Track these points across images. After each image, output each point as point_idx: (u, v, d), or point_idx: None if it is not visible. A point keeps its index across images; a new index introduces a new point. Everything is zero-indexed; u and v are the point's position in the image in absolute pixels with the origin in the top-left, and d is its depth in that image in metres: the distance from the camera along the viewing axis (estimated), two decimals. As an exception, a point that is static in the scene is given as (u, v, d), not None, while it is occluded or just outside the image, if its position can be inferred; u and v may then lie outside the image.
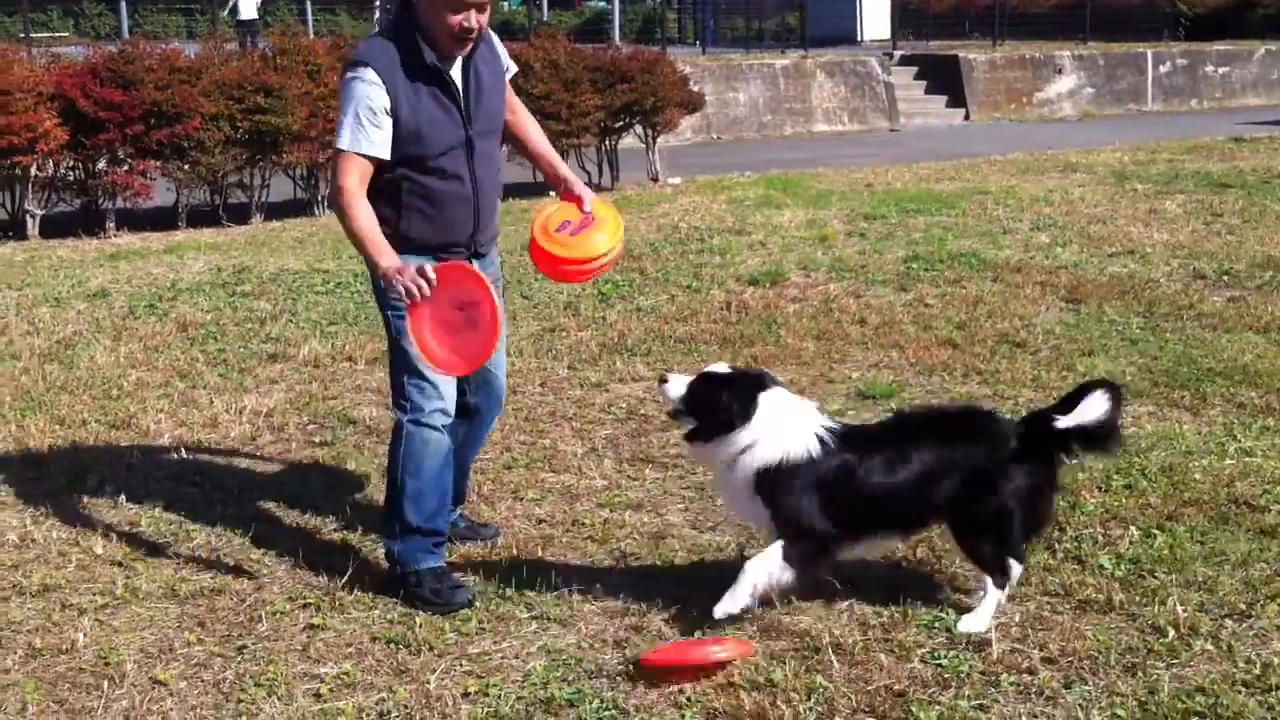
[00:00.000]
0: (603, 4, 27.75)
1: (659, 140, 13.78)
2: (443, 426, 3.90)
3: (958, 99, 20.65)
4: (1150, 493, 4.53)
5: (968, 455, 3.67)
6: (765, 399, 3.68)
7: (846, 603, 3.79)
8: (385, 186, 3.80)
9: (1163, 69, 22.93)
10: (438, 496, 3.92)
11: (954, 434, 3.74)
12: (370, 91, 3.69)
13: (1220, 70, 23.51)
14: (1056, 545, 4.13)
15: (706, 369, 3.83)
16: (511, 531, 4.39)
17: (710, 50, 23.57)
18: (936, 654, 3.49)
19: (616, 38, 22.86)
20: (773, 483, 3.62)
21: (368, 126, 3.70)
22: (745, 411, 3.64)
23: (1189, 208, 10.38)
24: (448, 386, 3.90)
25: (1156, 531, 4.20)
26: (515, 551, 4.22)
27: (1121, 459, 4.87)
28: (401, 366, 3.88)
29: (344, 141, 3.72)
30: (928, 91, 20.89)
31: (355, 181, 3.71)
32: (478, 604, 3.82)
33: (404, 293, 3.51)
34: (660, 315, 7.25)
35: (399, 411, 3.91)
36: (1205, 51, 23.81)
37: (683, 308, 7.42)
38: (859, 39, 25.34)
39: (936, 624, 3.67)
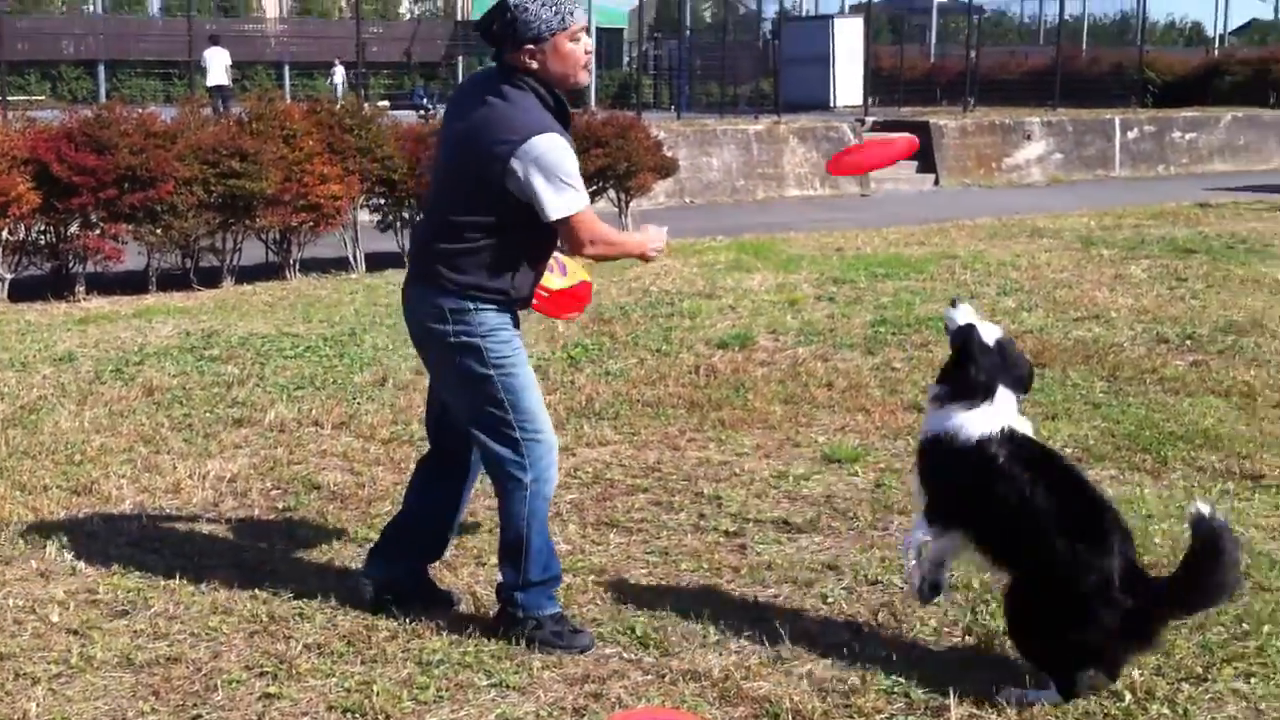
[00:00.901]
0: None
1: (632, 204, 13.87)
2: (555, 475, 4.08)
3: (928, 165, 20.89)
4: (1110, 556, 4.55)
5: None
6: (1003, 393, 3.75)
7: (805, 668, 3.79)
8: (503, 244, 3.85)
9: (1130, 135, 23.26)
10: (551, 545, 4.09)
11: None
12: (572, 154, 3.79)
13: (1187, 136, 23.87)
14: (1016, 610, 4.14)
15: (997, 333, 3.85)
16: (473, 598, 4.37)
17: (685, 115, 23.81)
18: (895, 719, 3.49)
19: (592, 103, 23.09)
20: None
21: (582, 184, 3.84)
22: (989, 391, 3.73)
23: (1154, 272, 10.50)
24: (552, 432, 4.06)
25: (1116, 595, 4.21)
26: (476, 617, 4.20)
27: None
28: (516, 428, 3.93)
29: (582, 199, 3.81)
30: (899, 157, 21.13)
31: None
32: (437, 671, 3.81)
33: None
34: (629, 379, 7.27)
35: (519, 473, 3.94)
36: (1172, 118, 24.19)
37: (651, 371, 7.44)
38: (832, 105, 25.63)
39: (896, 689, 3.67)
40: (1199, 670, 3.73)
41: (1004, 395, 3.75)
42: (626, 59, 31.11)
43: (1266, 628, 4.01)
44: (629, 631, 4.07)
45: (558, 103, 3.86)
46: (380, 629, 4.09)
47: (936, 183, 20.78)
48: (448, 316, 3.86)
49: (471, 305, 3.86)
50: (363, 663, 3.88)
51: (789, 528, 5.02)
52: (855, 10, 29.84)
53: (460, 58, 31.37)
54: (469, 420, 4.00)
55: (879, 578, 4.48)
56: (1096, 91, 26.81)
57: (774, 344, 8.14)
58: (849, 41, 26.02)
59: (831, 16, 28.44)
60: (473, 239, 3.83)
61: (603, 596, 4.36)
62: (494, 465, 4.01)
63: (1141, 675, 3.64)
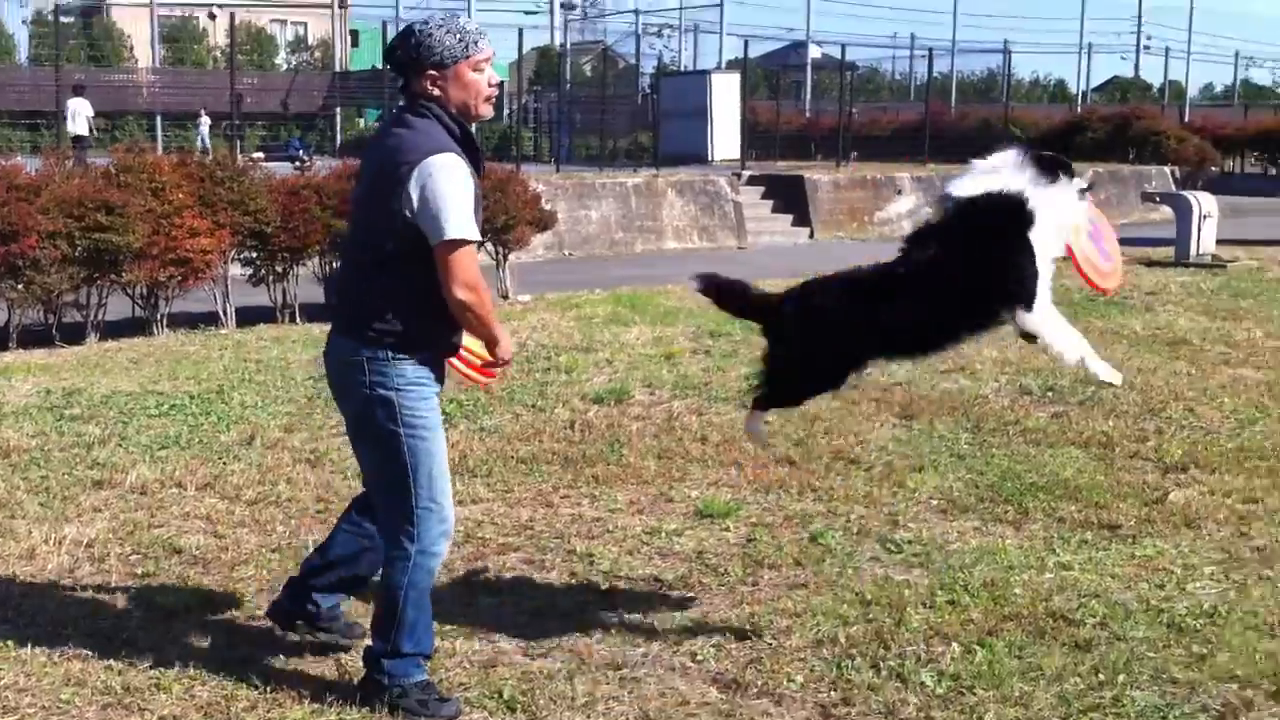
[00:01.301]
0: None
1: (510, 258, 13.87)
2: (444, 550, 3.97)
3: (803, 218, 21.27)
4: (972, 608, 4.65)
5: None
6: None
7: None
8: (415, 285, 3.73)
9: (891, 206, 23.94)
10: (428, 620, 3.96)
11: None
12: (468, 179, 3.71)
13: (1051, 191, 24.61)
14: (881, 663, 4.20)
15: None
16: (339, 663, 4.29)
17: (564, 168, 23.91)
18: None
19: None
20: None
21: (472, 215, 3.70)
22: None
23: (1019, 324, 10.77)
24: (450, 506, 3.95)
25: (977, 647, 4.30)
26: (339, 680, 4.12)
27: (945, 574, 5.00)
28: (413, 494, 3.83)
29: (469, 230, 3.65)
30: (774, 210, 21.48)
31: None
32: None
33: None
34: (504, 435, 7.24)
35: (405, 541, 3.85)
36: (1037, 173, 24.93)
37: (527, 427, 7.42)
38: (710, 159, 25.97)
39: (762, 748, 3.68)
40: (1056, 720, 3.82)
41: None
42: (506, 111, 31.15)
43: (1121, 677, 4.11)
44: (496, 695, 4.03)
45: (464, 132, 3.82)
46: (239, 698, 3.99)
47: (811, 235, 21.15)
48: (364, 366, 3.78)
49: (388, 355, 3.76)
50: (221, 734, 3.78)
51: (660, 584, 5.03)
52: (732, 66, 30.33)
53: (338, 109, 31.13)
54: (370, 474, 3.98)
55: (749, 634, 4.50)
56: (965, 147, 27.39)
57: (650, 398, 8.18)
58: (726, 96, 26.43)
59: (709, 71, 28.83)
60: (386, 280, 3.75)
61: (470, 660, 4.31)
62: (384, 526, 3.96)
63: (1001, 727, 3.72)
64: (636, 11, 30.32)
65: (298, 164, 22.02)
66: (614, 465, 6.65)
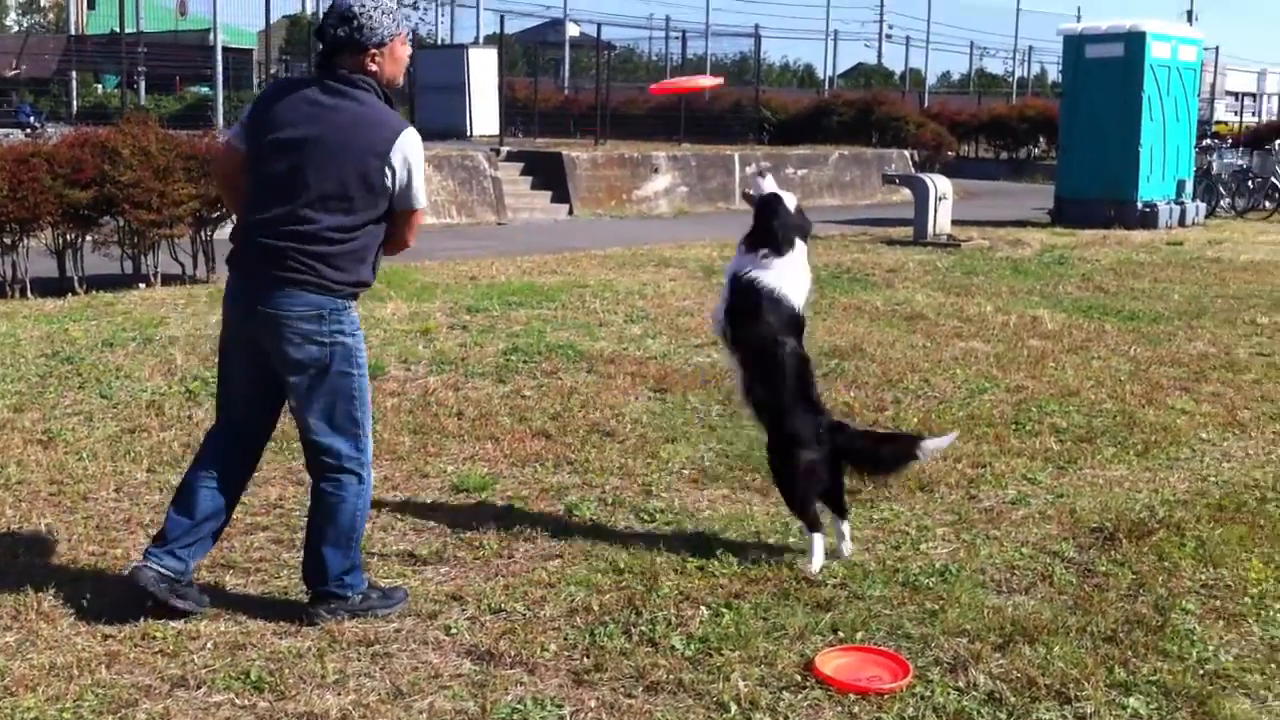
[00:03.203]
0: (205, 89, 26.90)
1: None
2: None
3: (562, 194, 21.33)
4: (721, 573, 4.79)
5: None
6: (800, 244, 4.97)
7: (426, 702, 3.77)
8: (372, 238, 4.22)
9: (749, 170, 24.58)
10: None
11: None
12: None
13: (800, 172, 25.44)
14: (632, 629, 4.28)
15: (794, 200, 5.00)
16: (75, 650, 4.10)
17: (317, 141, 23.26)
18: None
19: (220, 125, 22.24)
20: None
21: None
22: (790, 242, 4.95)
23: (768, 300, 11.10)
24: None
25: (725, 610, 4.43)
26: (75, 670, 3.94)
27: (696, 541, 5.13)
28: (361, 427, 4.31)
29: (424, 200, 4.28)
30: (534, 187, 21.47)
31: None
32: None
33: None
34: (252, 413, 7.02)
35: (357, 468, 4.32)
36: (787, 155, 25.73)
37: (276, 404, 7.21)
38: (468, 134, 25.73)
39: (516, 717, 3.70)
40: (798, 678, 3.97)
41: (800, 246, 4.93)
42: (256, 81, 30.08)
43: (860, 634, 4.31)
44: (243, 676, 3.92)
45: (388, 102, 4.23)
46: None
47: (570, 213, 21.24)
48: (325, 317, 4.15)
49: (344, 304, 4.18)
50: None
51: (414, 560, 4.99)
52: (489, 41, 30.07)
53: (74, 73, 29.44)
54: (320, 415, 4.25)
55: (503, 606, 4.52)
56: (719, 128, 28.19)
57: (405, 374, 8.08)
58: (483, 72, 26.18)
59: (466, 46, 28.41)
60: (351, 238, 4.13)
61: (217, 641, 4.19)
62: (332, 458, 4.29)
63: (747, 686, 3.85)
64: (392, -18, 29.56)
65: (29, 130, 20.80)
66: (368, 441, 6.54)
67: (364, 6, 4.10)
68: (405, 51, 4.26)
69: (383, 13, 4.12)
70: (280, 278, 4.13)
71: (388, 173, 4.12)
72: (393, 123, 4.15)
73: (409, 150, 4.14)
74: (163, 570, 4.30)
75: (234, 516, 5.33)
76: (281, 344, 4.18)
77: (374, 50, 4.13)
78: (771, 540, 5.19)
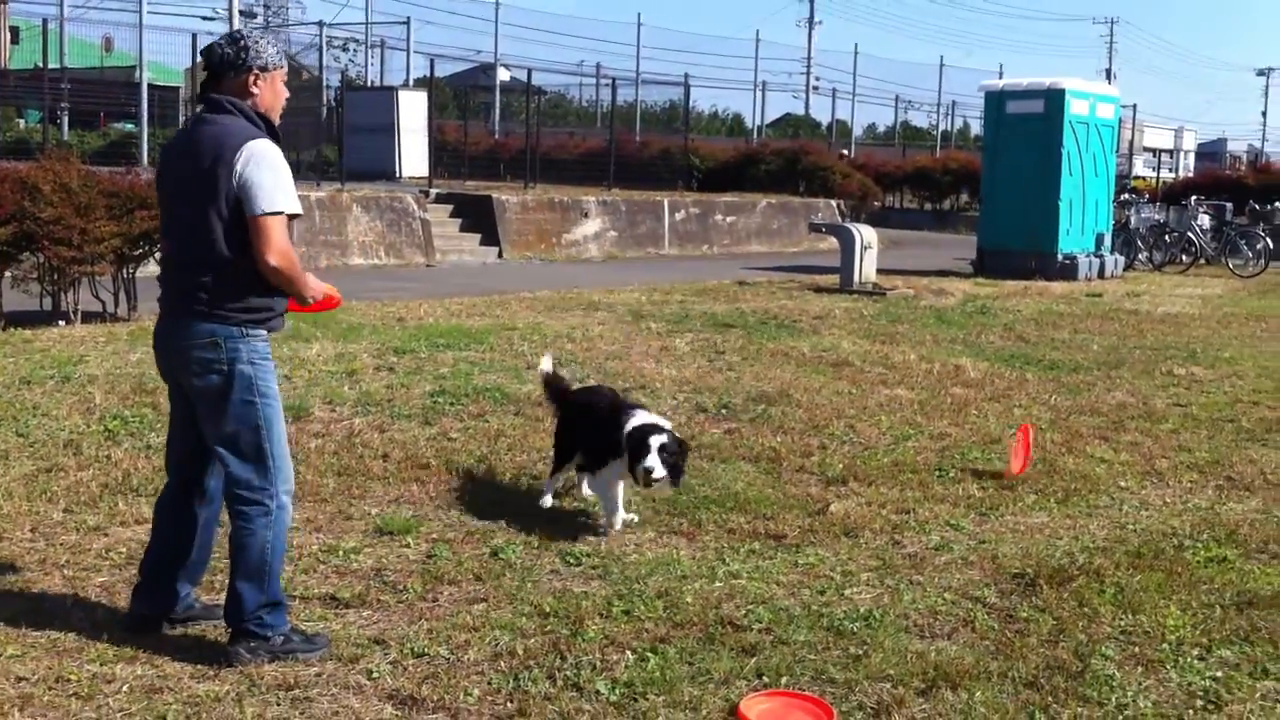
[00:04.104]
0: (130, 126, 26.60)
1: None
2: (291, 504, 4.48)
3: (491, 237, 21.33)
4: (647, 617, 4.78)
5: None
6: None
7: None
8: (252, 264, 4.16)
9: (678, 216, 24.76)
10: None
11: None
12: (282, 159, 4.21)
13: (728, 219, 25.68)
14: (557, 674, 4.26)
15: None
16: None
17: (244, 180, 23.07)
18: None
19: (145, 162, 21.99)
20: None
21: (288, 191, 4.18)
22: None
23: (696, 345, 11.18)
24: (292, 467, 4.48)
25: (650, 654, 4.42)
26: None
27: (622, 585, 5.12)
28: (269, 455, 4.29)
29: (282, 203, 4.14)
30: (463, 229, 21.45)
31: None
32: None
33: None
34: (172, 453, 6.91)
35: (265, 499, 4.30)
36: (715, 202, 25.96)
37: (198, 445, 7.11)
38: (398, 176, 25.67)
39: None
40: (724, 721, 3.97)
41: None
42: (182, 118, 29.82)
43: (785, 679, 4.32)
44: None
45: (270, 126, 4.29)
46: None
47: (500, 255, 21.24)
48: (221, 344, 4.20)
49: (241, 332, 4.20)
50: None
51: (337, 603, 4.93)
52: (420, 84, 30.07)
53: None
54: (224, 444, 4.28)
55: (426, 650, 4.47)
56: (649, 174, 28.36)
57: (330, 415, 8.00)
58: (413, 114, 26.17)
59: (396, 88, 28.44)
60: (229, 262, 4.14)
61: (133, 685, 4.10)
62: (240, 488, 4.30)
63: (672, 730, 3.83)
64: (321, 23, 29.44)
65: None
66: (291, 483, 6.46)
67: (252, 33, 4.35)
68: (283, 89, 4.38)
69: (269, 43, 4.34)
70: (179, 309, 4.27)
71: (233, 181, 4.13)
72: (246, 134, 4.19)
73: (254, 151, 4.15)
74: (138, 612, 4.57)
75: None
76: (188, 375, 4.29)
77: (257, 72, 4.28)
78: (697, 584, 5.19)
